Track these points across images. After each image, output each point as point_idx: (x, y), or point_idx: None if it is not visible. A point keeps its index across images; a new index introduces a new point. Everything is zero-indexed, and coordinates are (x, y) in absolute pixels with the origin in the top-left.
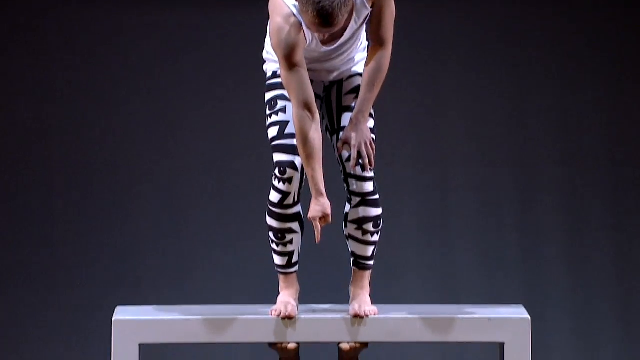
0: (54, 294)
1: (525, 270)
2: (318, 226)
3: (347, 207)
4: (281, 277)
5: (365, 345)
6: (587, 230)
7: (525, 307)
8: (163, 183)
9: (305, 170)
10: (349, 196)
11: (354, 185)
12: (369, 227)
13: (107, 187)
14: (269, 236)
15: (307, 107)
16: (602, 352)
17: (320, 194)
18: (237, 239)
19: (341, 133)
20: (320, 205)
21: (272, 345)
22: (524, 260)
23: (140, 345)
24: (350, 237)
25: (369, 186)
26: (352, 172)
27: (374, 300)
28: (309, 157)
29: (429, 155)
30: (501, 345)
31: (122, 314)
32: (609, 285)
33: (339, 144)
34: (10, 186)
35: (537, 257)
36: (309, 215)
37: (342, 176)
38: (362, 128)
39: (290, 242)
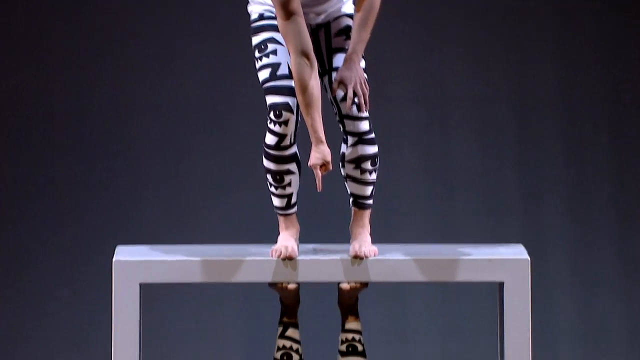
0: (54, 235)
1: (526, 211)
2: (319, 174)
3: (344, 147)
4: (281, 219)
5: (365, 285)
6: (589, 170)
7: (525, 248)
8: (163, 124)
9: (304, 118)
10: (345, 137)
11: (350, 125)
12: (367, 165)
13: (107, 126)
14: (267, 179)
15: (305, 55)
16: (602, 291)
17: (320, 141)
18: (237, 179)
19: (334, 74)
20: (320, 153)
21: (272, 285)
22: (524, 201)
23: (140, 285)
24: (348, 177)
25: (365, 125)
26: (348, 113)
27: (374, 241)
28: (308, 105)
29: (429, 94)
30: (500, 285)
31: (123, 254)
32: (609, 226)
33: (334, 85)
34: (10, 123)
35: (537, 197)
36: (309, 163)
37: (337, 117)
38: (356, 68)
39: (289, 184)
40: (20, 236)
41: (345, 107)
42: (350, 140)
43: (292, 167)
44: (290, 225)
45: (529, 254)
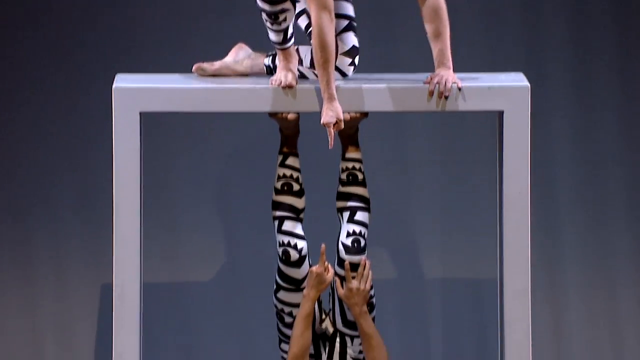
0: (53, 63)
1: (527, 42)
2: (332, 132)
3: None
4: (279, 52)
5: (365, 114)
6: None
7: (525, 75)
8: None
9: (320, 74)
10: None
11: None
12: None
13: None
14: (262, 16)
15: (328, 10)
16: (602, 118)
17: (333, 98)
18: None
19: None
20: (333, 110)
21: (272, 115)
22: (526, 31)
23: (141, 113)
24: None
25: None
26: None
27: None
28: (327, 61)
29: None
30: (500, 114)
31: (123, 82)
32: (609, 52)
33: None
34: None
35: (538, 28)
36: (322, 121)
37: None
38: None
39: (284, 19)
40: (21, 63)
41: None
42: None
43: (286, 5)
44: (289, 57)
45: (529, 81)
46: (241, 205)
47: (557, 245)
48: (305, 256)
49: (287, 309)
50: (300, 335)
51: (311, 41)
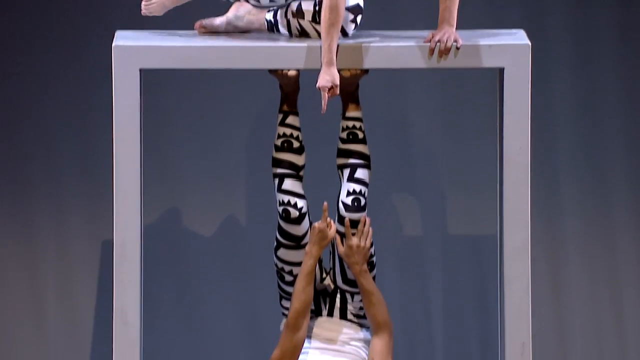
0: (53, 19)
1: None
2: (326, 97)
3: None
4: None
5: (365, 71)
6: None
7: (526, 33)
8: None
9: (324, 38)
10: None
11: None
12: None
13: None
14: None
15: None
16: (601, 73)
17: (332, 63)
18: None
19: None
20: (330, 76)
21: (272, 72)
22: None
23: (141, 70)
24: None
25: None
26: None
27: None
28: (333, 25)
29: None
30: (501, 71)
31: (123, 39)
32: (611, 11)
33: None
34: None
35: None
36: (318, 84)
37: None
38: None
39: None
40: (20, 19)
41: None
42: None
43: None
44: None
45: (530, 39)
46: (242, 162)
47: (557, 201)
48: (305, 214)
49: (287, 267)
50: (302, 291)
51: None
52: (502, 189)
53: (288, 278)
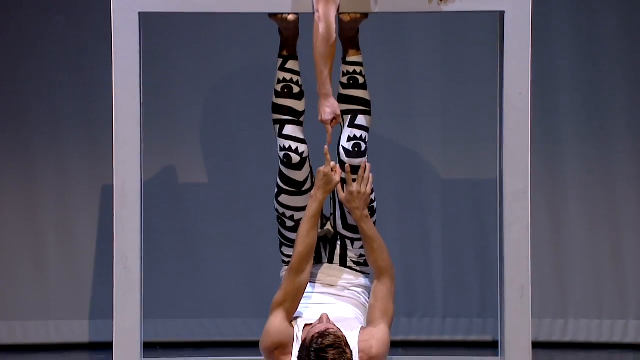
0: None
1: None
2: (330, 129)
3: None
4: None
5: (365, 16)
6: None
7: None
8: None
9: (320, 68)
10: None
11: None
12: None
13: None
14: None
15: (335, 3)
16: (603, 20)
17: (330, 94)
18: None
19: None
20: (330, 107)
21: (272, 16)
22: None
23: (140, 13)
24: None
25: None
26: None
27: None
28: (328, 57)
29: None
30: (501, 15)
31: None
32: None
33: None
34: None
35: None
36: (321, 119)
37: None
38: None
39: None
40: None
41: None
42: None
43: None
44: None
45: None
46: (242, 106)
47: (557, 144)
48: (306, 159)
49: (288, 213)
50: (306, 235)
51: (314, 30)
52: (502, 133)
53: (289, 224)
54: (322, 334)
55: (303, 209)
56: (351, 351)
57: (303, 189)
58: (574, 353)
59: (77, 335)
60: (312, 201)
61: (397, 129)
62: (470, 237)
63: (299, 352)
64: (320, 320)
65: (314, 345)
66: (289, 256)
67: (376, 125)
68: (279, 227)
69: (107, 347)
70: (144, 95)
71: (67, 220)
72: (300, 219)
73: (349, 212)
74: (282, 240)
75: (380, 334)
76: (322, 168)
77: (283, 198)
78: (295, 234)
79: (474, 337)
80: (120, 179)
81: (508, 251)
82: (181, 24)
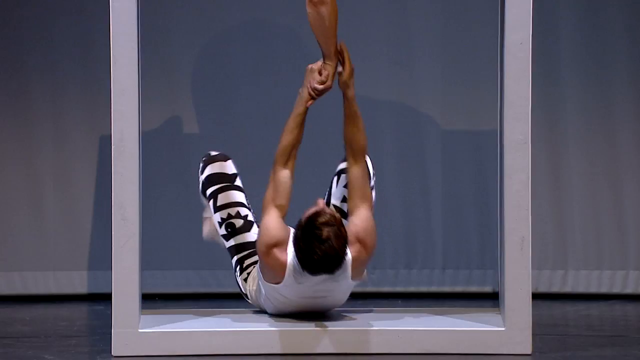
0: None
1: None
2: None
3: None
4: None
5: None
6: None
7: None
8: None
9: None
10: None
11: None
12: None
13: None
14: None
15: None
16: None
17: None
18: None
19: None
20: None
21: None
22: None
23: None
24: None
25: None
26: None
27: None
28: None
29: None
30: None
31: None
32: None
33: None
34: None
35: None
36: (308, 91)
37: None
38: None
39: None
40: None
41: None
42: None
43: None
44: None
45: None
46: (241, 56)
47: (558, 95)
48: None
49: (232, 211)
50: (290, 131)
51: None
52: (503, 82)
53: (238, 223)
54: (318, 213)
55: (244, 204)
56: (346, 231)
57: (235, 183)
58: (573, 304)
59: (76, 286)
60: (299, 99)
61: (396, 79)
62: (469, 188)
63: (295, 230)
64: (316, 204)
65: (309, 222)
66: (253, 263)
67: (374, 79)
68: (231, 237)
69: (106, 298)
70: (142, 44)
71: (64, 170)
72: (247, 214)
73: (346, 98)
74: (239, 248)
75: (363, 218)
76: (311, 65)
77: (221, 198)
78: (248, 232)
79: (473, 288)
80: (119, 129)
81: (508, 201)
82: None
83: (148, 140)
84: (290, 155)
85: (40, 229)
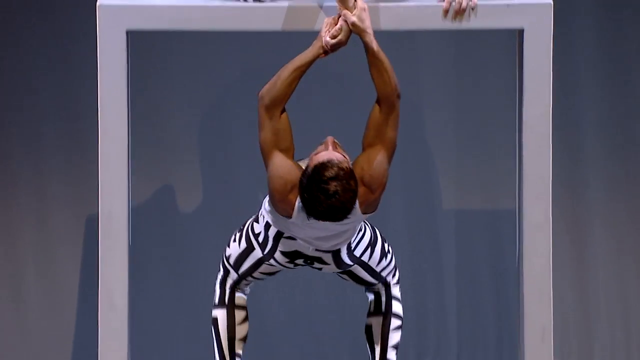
0: None
1: None
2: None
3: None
4: None
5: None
6: None
7: None
8: None
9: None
10: None
11: None
12: None
13: None
14: None
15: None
16: (629, 37)
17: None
18: None
19: None
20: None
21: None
22: None
23: (127, 32)
24: None
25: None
26: None
27: None
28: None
29: None
30: (520, 33)
31: None
32: None
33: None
34: None
35: None
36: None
37: None
38: None
39: None
40: None
41: None
42: None
43: None
44: None
45: None
46: (236, 127)
47: (580, 171)
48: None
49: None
50: (288, 84)
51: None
52: (522, 160)
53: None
54: (324, 165)
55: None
56: (356, 182)
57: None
58: None
59: None
60: (309, 48)
61: (409, 154)
62: (486, 274)
63: (301, 178)
64: (325, 145)
65: (315, 174)
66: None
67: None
68: (224, 276)
69: None
70: (132, 117)
71: (47, 253)
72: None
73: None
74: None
75: (372, 159)
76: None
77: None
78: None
79: None
80: (107, 204)
81: (528, 289)
82: (171, 38)
83: (137, 215)
84: (280, 107)
85: (20, 316)
